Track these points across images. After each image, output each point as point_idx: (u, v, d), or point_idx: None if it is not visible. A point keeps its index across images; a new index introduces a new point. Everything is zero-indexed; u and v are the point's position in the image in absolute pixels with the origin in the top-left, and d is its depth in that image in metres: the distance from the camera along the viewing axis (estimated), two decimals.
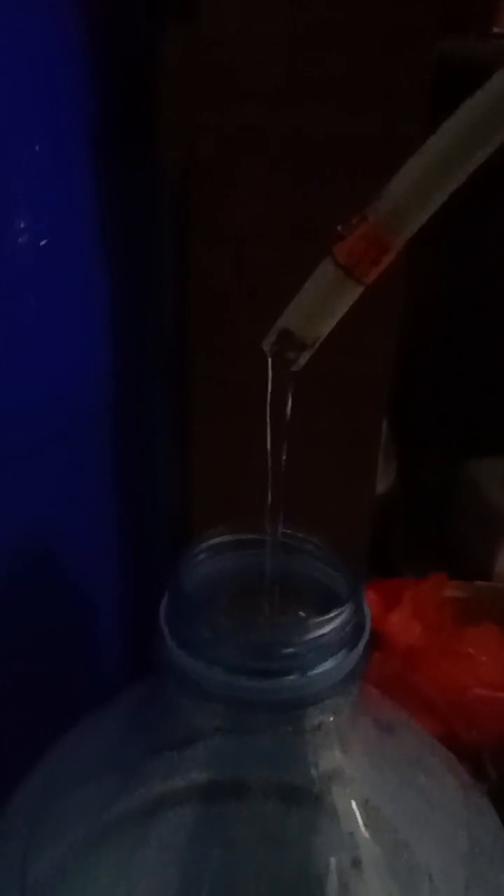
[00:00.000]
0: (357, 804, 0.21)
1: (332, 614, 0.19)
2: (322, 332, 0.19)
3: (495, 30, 0.43)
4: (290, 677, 0.19)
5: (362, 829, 0.20)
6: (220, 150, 0.31)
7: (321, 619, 0.19)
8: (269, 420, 0.20)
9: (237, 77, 0.30)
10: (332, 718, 0.20)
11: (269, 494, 0.21)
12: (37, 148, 0.27)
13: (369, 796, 0.21)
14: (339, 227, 0.18)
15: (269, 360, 0.19)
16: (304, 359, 0.19)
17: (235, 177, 0.31)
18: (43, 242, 0.27)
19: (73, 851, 0.21)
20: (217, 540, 0.22)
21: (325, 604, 0.20)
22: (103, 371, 0.31)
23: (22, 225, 0.26)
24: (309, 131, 0.31)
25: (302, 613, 0.22)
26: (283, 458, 0.21)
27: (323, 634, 0.19)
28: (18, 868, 0.22)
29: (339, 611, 0.19)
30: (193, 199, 0.31)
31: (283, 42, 0.30)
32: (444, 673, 0.41)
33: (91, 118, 0.29)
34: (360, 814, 0.21)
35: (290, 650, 0.19)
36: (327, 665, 0.19)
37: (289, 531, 0.22)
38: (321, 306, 0.18)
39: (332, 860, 0.20)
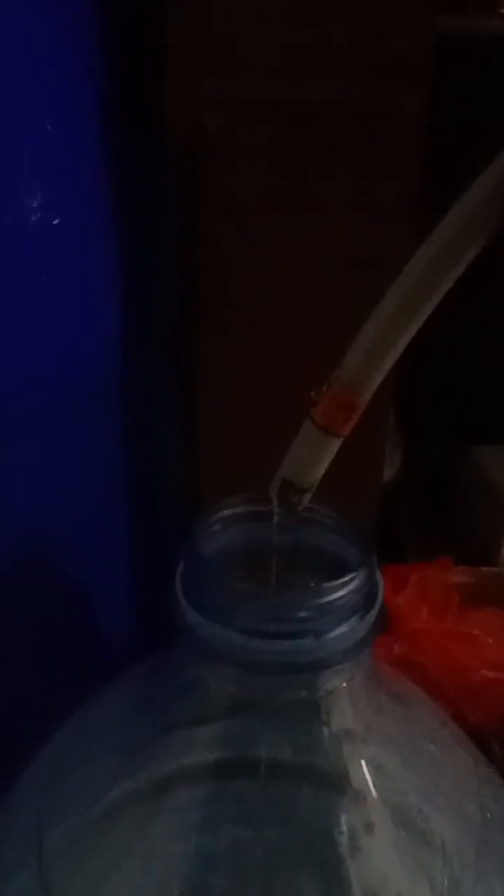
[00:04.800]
0: (370, 770, 0.21)
1: (345, 579, 0.19)
2: (316, 477, 0.22)
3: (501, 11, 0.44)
4: (304, 640, 0.19)
5: (375, 794, 0.21)
6: (226, 121, 0.31)
7: (335, 583, 0.19)
8: None
9: (242, 48, 0.30)
10: (344, 684, 0.20)
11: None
12: (48, 128, 0.27)
13: (382, 762, 0.21)
14: (312, 394, 0.20)
15: (275, 504, 0.22)
16: (306, 500, 0.22)
17: (242, 147, 0.31)
18: (56, 221, 0.27)
19: (87, 825, 0.22)
20: (231, 511, 0.22)
21: (338, 574, 0.20)
22: (111, 346, 0.31)
23: (34, 204, 0.27)
24: (313, 102, 0.31)
25: (313, 584, 0.22)
26: None
27: (337, 598, 0.19)
28: (35, 839, 0.22)
29: (352, 576, 0.19)
30: (201, 172, 0.31)
31: (286, 14, 0.30)
32: (450, 655, 0.41)
33: (99, 95, 0.30)
34: (373, 779, 0.21)
35: (305, 613, 0.19)
36: (341, 629, 0.19)
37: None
38: (311, 459, 0.21)
39: (346, 826, 0.20)
